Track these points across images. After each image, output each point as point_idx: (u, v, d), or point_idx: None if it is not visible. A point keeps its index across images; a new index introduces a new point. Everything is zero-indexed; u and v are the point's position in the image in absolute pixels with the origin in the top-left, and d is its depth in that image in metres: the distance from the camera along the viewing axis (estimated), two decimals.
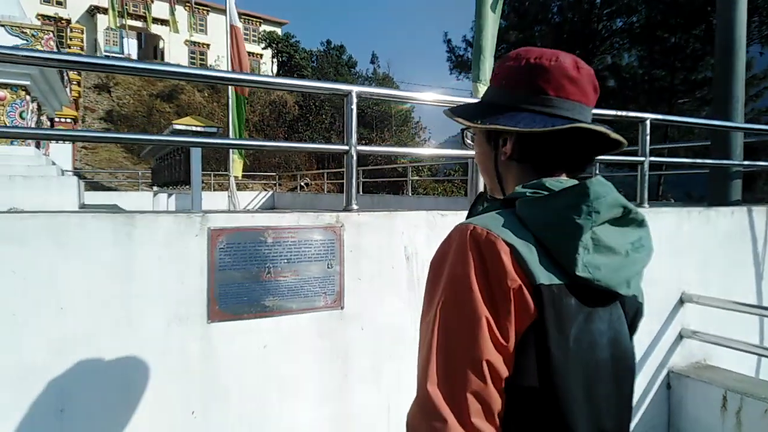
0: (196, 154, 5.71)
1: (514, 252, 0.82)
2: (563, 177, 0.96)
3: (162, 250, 1.80)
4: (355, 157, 2.26)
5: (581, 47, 19.07)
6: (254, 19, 37.73)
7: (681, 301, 2.88)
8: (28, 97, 5.98)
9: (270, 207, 14.93)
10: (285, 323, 2.00)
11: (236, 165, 11.08)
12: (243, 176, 11.80)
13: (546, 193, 0.90)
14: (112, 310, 1.73)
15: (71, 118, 13.79)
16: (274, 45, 33.70)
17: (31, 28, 5.83)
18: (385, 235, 2.19)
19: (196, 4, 33.69)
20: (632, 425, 2.76)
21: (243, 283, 1.93)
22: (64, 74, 7.31)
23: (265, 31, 35.18)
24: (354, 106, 2.25)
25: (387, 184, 15.07)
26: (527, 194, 0.90)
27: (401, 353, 2.21)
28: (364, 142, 25.19)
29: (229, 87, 11.10)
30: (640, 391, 2.78)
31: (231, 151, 10.74)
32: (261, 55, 35.52)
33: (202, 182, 7.12)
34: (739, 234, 3.13)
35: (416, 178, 15.02)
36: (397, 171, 15.86)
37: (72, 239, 1.67)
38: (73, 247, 1.67)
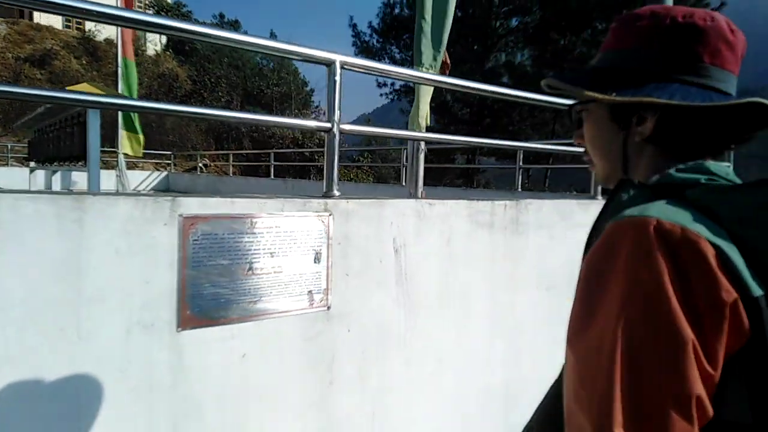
0: (94, 125, 4.98)
1: (722, 255, 0.65)
2: (710, 161, 0.82)
3: (120, 240, 1.43)
4: (338, 137, 2.01)
5: (479, 43, 19.82)
6: None
7: None
8: None
9: (164, 189, 13.73)
10: (267, 328, 1.71)
11: (126, 141, 9.99)
12: (127, 154, 10.63)
13: (717, 178, 0.75)
14: (57, 317, 1.34)
15: None
16: (162, 14, 31.08)
17: None
18: (373, 225, 1.97)
19: None
20: None
21: (220, 281, 1.61)
22: None
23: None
24: (338, 78, 1.99)
25: (296, 168, 14.60)
26: (702, 180, 0.75)
27: (386, 354, 2.01)
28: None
29: (118, 52, 9.97)
30: None
31: (120, 125, 9.67)
32: None
33: (62, 159, 6.22)
34: None
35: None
36: (304, 155, 15.42)
37: (4, 228, 1.25)
38: (5, 238, 1.26)
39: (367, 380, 1.97)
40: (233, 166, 13.25)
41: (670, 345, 0.62)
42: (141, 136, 9.99)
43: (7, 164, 12.58)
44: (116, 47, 9.91)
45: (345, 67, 2.01)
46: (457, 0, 3.89)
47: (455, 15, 3.96)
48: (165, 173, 14.16)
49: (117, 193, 1.46)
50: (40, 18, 27.83)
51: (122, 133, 9.91)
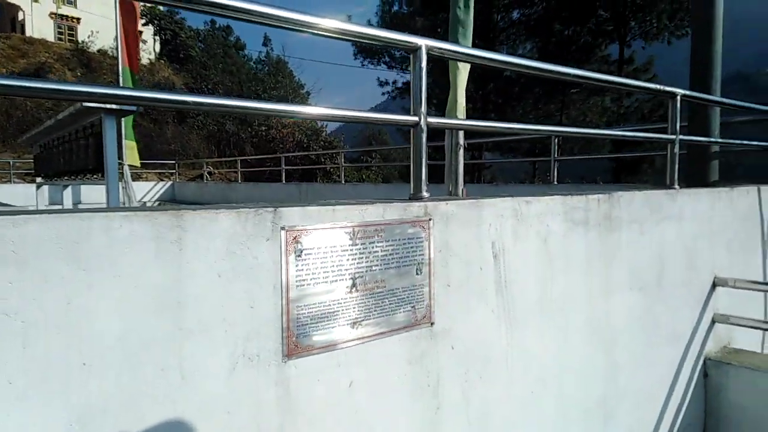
0: (111, 134, 4.75)
1: None
2: None
3: (223, 262, 1.22)
4: (425, 131, 1.79)
5: (481, 38, 19.63)
6: None
7: (714, 285, 2.79)
8: None
9: (170, 199, 13.46)
10: (374, 351, 1.50)
11: (131, 152, 9.77)
12: (131, 165, 10.42)
13: None
14: (157, 357, 1.13)
15: None
16: (156, 21, 30.84)
17: None
18: (473, 229, 1.76)
19: None
20: (666, 419, 2.63)
21: (325, 302, 1.40)
22: None
23: (144, 6, 32.04)
24: (424, 65, 1.77)
25: (301, 171, 14.36)
26: None
27: (489, 376, 1.80)
28: (264, 128, 23.96)
29: (119, 61, 9.74)
30: (680, 383, 2.64)
31: (123, 135, 9.43)
32: (141, 32, 32.36)
33: (81, 175, 6.00)
34: (751, 214, 3.12)
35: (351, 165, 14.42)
36: (309, 158, 15.18)
37: (97, 255, 1.04)
38: (97, 265, 1.04)
39: (470, 404, 1.76)
40: (233, 172, 12.98)
41: None
42: (135, 145, 9.74)
43: (9, 181, 12.30)
44: (109, 57, 9.67)
45: (431, 52, 1.80)
46: None
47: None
48: (170, 183, 13.88)
49: (214, 208, 1.24)
50: (33, 31, 27.55)
51: (125, 143, 9.67)
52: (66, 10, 30.64)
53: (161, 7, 34.26)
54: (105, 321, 1.05)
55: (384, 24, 19.76)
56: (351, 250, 1.45)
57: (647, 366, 2.43)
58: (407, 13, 19.50)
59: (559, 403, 2.04)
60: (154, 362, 1.12)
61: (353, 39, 1.75)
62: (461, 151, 3.80)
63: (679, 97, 2.79)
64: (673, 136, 2.80)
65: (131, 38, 9.50)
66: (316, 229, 1.38)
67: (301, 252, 1.35)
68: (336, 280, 1.42)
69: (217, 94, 27.70)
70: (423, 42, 1.76)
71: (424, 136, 1.79)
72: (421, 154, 1.80)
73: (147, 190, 13.46)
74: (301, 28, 1.61)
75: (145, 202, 13.12)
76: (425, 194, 1.78)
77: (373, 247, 1.50)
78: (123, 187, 10.61)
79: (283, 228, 1.31)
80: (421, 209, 1.62)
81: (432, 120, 1.82)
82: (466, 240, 1.74)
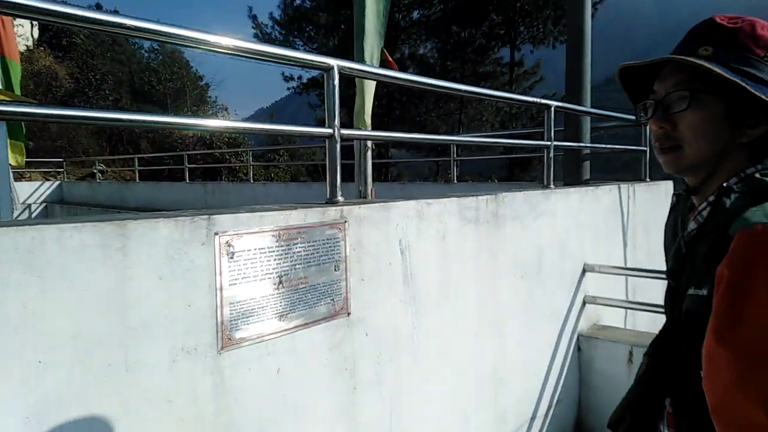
0: (1, 137, 4.50)
1: None
2: None
3: (163, 266, 1.36)
4: (339, 142, 2.01)
5: (385, 37, 20.13)
6: None
7: (584, 271, 3.29)
8: None
9: (59, 200, 12.47)
10: (299, 341, 1.70)
11: (16, 150, 9.00)
12: (14, 166, 9.60)
13: None
14: (105, 352, 1.25)
15: None
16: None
17: None
18: (383, 229, 2.01)
19: None
20: (548, 388, 3.09)
21: (255, 298, 1.58)
22: None
23: None
24: (336, 83, 1.99)
25: (204, 170, 13.92)
26: None
27: (398, 355, 2.07)
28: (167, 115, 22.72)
29: None
30: (558, 356, 3.11)
31: (5, 133, 8.66)
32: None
33: None
34: (614, 208, 3.69)
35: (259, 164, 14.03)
36: (214, 156, 14.76)
37: (50, 263, 1.15)
38: (51, 273, 1.15)
39: (382, 381, 2.02)
40: (130, 171, 12.30)
41: None
42: (23, 144, 9.02)
43: None
44: None
45: (342, 71, 2.02)
46: None
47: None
48: (57, 183, 12.85)
49: (154, 216, 1.37)
50: None
51: (9, 143, 8.88)
52: None
53: None
54: (58, 322, 1.17)
55: (285, 17, 19.52)
56: (277, 251, 1.64)
57: (531, 342, 2.85)
58: (310, 7, 19.46)
59: (457, 374, 2.37)
60: (102, 358, 1.25)
61: (264, 59, 1.92)
62: (369, 153, 4.05)
63: (552, 109, 3.24)
64: (549, 143, 3.25)
65: (6, 23, 8.69)
66: (246, 233, 1.55)
67: (233, 254, 1.52)
68: (264, 279, 1.60)
69: (106, 84, 25.84)
70: (335, 62, 1.98)
71: (338, 146, 2.01)
72: (335, 162, 2.02)
73: (31, 191, 12.39)
74: (203, 47, 1.69)
75: (29, 204, 12.07)
76: (340, 198, 2.01)
77: (296, 248, 1.70)
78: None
79: (216, 233, 1.47)
80: (337, 213, 1.84)
81: (345, 132, 2.04)
82: (377, 239, 1.99)
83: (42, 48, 25.83)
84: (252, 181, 10.45)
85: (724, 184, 0.92)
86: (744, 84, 0.85)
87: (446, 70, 19.30)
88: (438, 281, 2.26)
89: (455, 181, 6.73)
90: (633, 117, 3.92)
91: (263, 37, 20.21)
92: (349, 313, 1.88)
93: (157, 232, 1.35)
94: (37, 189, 12.32)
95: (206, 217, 1.46)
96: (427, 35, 20.03)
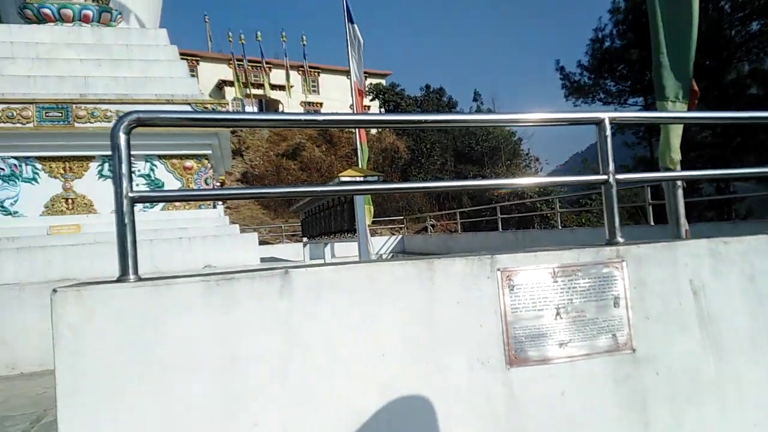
0: (360, 203, 5.91)
1: None
2: None
3: (459, 293, 1.78)
4: (615, 187, 2.14)
5: (712, 57, 17.63)
6: None
7: None
8: (209, 164, 6.65)
9: (401, 251, 15.12)
10: (580, 369, 1.87)
11: (368, 213, 11.52)
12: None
13: None
14: (422, 355, 1.72)
15: (220, 182, 15.22)
16: (381, 95, 35.18)
17: (210, 103, 6.52)
18: (668, 268, 2.01)
19: (309, 67, 36.45)
20: None
21: (535, 325, 1.85)
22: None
23: (371, 83, 36.95)
24: (608, 133, 2.15)
25: (517, 219, 14.69)
26: None
27: (701, 398, 1.97)
28: (478, 178, 25.02)
29: (357, 137, 11.72)
30: None
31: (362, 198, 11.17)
32: (368, 107, 37.21)
33: (333, 233, 7.39)
34: None
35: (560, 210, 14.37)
36: (525, 205, 15.41)
37: (386, 287, 1.70)
38: (383, 293, 1.70)
39: (683, 427, 1.96)
40: (453, 223, 13.97)
41: None
42: (371, 207, 11.48)
43: (281, 241, 15.45)
44: (345, 132, 11.68)
45: (613, 122, 2.16)
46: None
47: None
48: (400, 236, 15.63)
49: (450, 256, 1.83)
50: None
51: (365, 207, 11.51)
52: (312, 97, 37.38)
53: (384, 81, 38.93)
54: (389, 328, 1.69)
55: (594, 61, 19.27)
56: (553, 286, 1.88)
57: None
58: (620, 47, 18.75)
59: None
60: (420, 359, 1.72)
61: (545, 125, 2.22)
62: (679, 192, 3.83)
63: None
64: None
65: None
66: (522, 269, 1.86)
67: (513, 287, 1.84)
68: (543, 309, 1.86)
69: (434, 151, 29.99)
70: (605, 115, 2.14)
71: (614, 191, 2.14)
72: (613, 206, 2.14)
73: (382, 243, 15.34)
74: (515, 124, 2.15)
75: (381, 255, 14.96)
76: (619, 239, 2.11)
77: (571, 284, 1.90)
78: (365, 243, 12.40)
79: (498, 269, 1.83)
80: (613, 252, 1.96)
81: (620, 177, 2.16)
82: (661, 278, 2.00)
83: (388, 129, 32.05)
84: (560, 227, 10.56)
85: None
86: None
87: None
88: (748, 326, 2.06)
89: None
90: None
91: (571, 86, 20.37)
92: (633, 350, 1.94)
93: (454, 267, 1.78)
94: (385, 242, 15.19)
95: (489, 256, 1.83)
96: None
